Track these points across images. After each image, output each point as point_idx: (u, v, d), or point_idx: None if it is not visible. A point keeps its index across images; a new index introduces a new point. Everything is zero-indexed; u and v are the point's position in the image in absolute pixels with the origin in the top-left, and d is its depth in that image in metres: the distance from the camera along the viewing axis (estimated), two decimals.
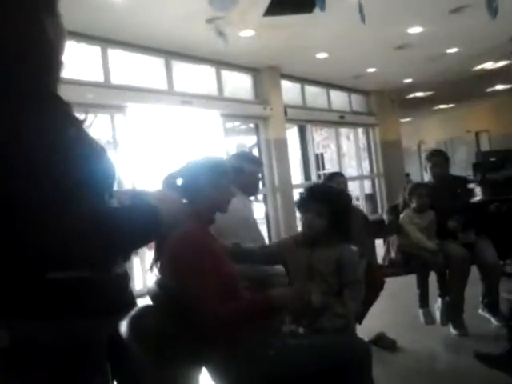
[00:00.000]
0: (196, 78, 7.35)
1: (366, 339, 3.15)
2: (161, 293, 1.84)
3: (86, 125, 1.19)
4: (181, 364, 1.81)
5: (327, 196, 2.28)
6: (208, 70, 7.54)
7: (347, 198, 2.44)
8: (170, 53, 6.68)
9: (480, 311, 3.64)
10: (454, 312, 3.47)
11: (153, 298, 1.87)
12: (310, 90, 9.87)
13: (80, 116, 1.19)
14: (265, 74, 8.26)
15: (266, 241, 3.00)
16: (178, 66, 6.94)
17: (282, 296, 1.89)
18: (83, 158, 1.10)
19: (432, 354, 3.28)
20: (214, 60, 7.38)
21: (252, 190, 2.93)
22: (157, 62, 6.68)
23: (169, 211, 1.23)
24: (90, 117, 1.20)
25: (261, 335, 1.91)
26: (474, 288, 3.55)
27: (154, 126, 6.28)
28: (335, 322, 2.08)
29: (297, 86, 9.51)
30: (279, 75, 8.50)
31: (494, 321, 3.53)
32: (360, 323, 3.33)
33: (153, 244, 1.91)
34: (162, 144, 6.29)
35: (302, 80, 9.49)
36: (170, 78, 6.76)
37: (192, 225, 1.86)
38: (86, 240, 1.06)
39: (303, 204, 2.30)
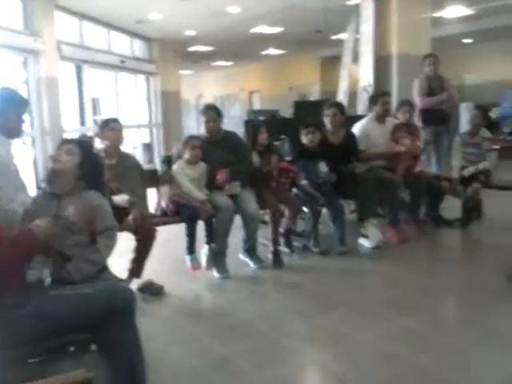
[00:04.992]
0: None
1: (135, 287, 3.22)
2: None
3: None
4: None
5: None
6: None
7: (90, 146, 2.42)
8: None
9: (240, 255, 4.03)
10: (217, 257, 3.77)
11: None
12: (89, 27, 9.21)
13: None
14: (37, 2, 7.39)
15: (32, 190, 2.75)
16: None
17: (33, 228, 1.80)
18: None
19: (197, 296, 3.53)
20: None
21: (14, 132, 2.67)
22: None
23: None
24: None
25: (16, 291, 1.78)
26: (236, 235, 3.90)
27: None
28: (85, 270, 2.04)
29: (74, 21, 8.77)
30: (54, 5, 7.72)
31: (251, 264, 3.95)
32: (139, 277, 3.38)
33: None
34: None
35: (81, 15, 8.79)
36: None
37: None
38: None
39: None
